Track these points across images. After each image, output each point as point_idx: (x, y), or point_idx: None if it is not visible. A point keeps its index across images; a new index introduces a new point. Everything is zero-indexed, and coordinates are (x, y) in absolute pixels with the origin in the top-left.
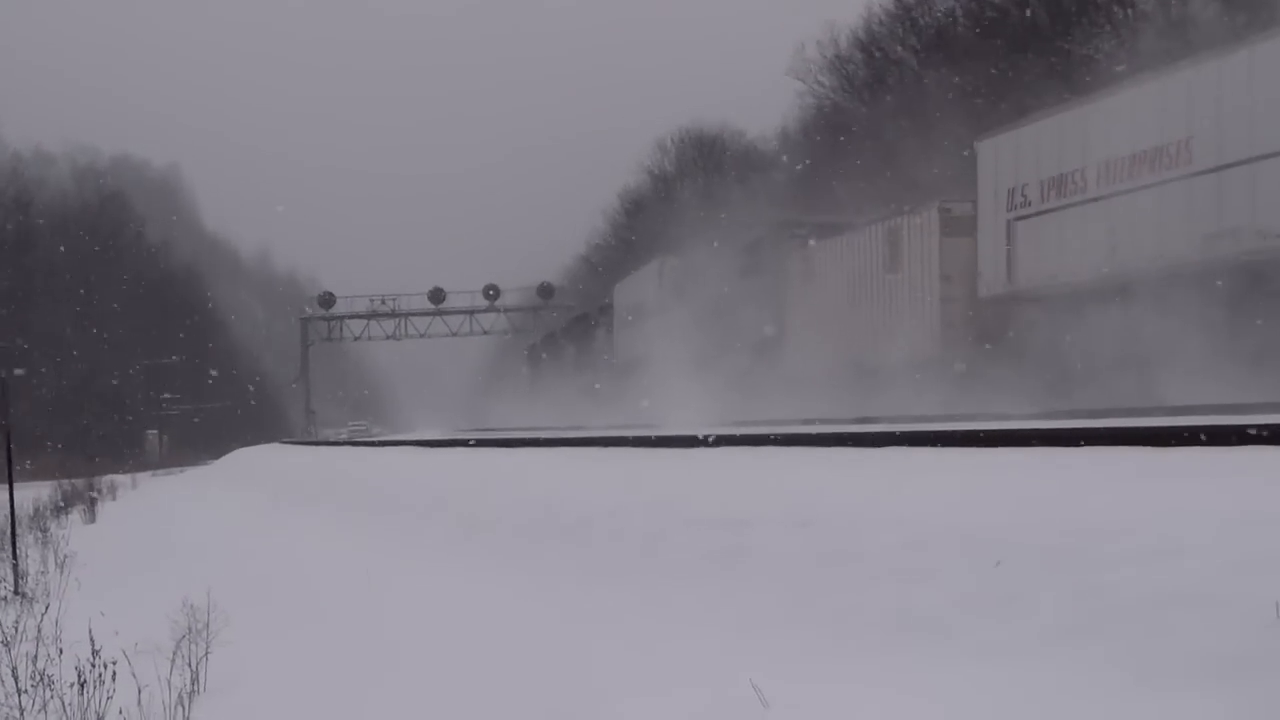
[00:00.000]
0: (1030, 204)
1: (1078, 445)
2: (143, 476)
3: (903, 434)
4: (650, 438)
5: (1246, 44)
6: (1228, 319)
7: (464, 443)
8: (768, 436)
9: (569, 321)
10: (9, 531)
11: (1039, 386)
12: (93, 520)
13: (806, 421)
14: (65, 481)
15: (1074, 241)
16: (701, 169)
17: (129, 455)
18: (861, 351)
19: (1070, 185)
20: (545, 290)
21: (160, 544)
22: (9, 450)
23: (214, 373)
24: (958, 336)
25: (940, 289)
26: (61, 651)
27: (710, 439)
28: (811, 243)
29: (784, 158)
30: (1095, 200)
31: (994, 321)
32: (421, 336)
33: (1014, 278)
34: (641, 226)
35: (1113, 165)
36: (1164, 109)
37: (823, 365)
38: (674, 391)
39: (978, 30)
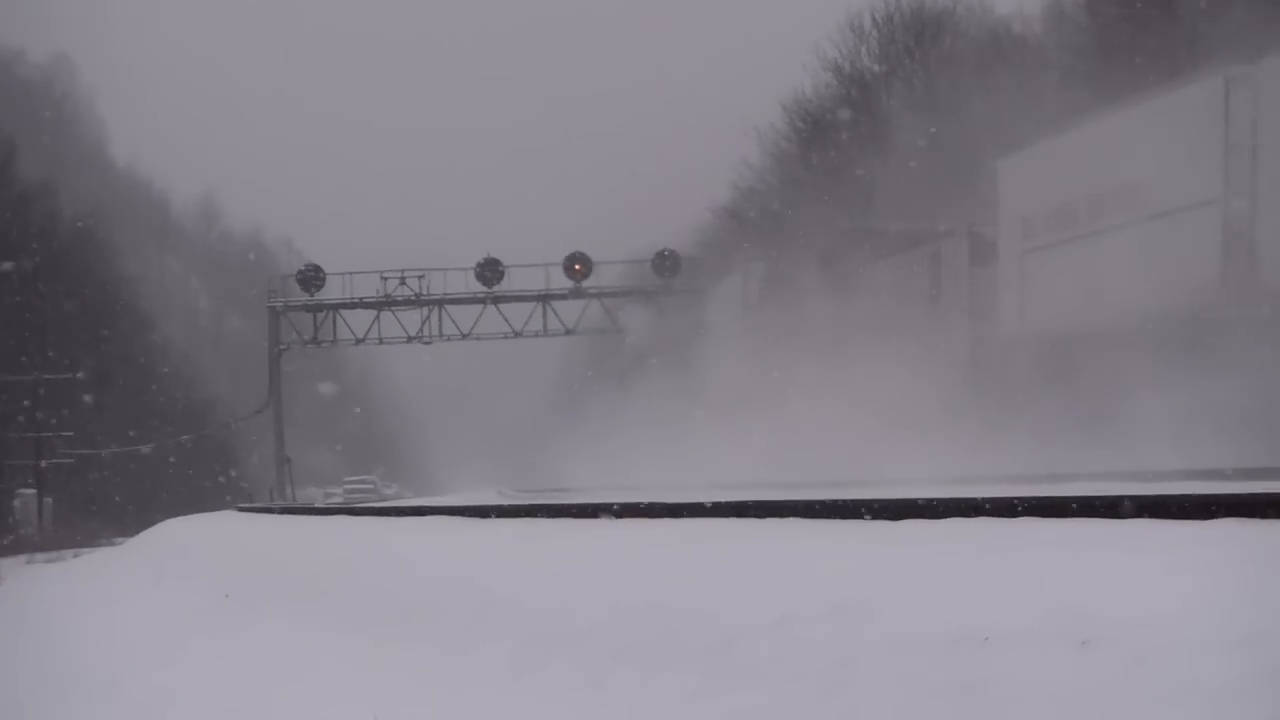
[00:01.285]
0: (1038, 235)
1: None
2: (11, 564)
3: (1231, 496)
4: (814, 504)
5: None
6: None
7: (528, 510)
8: (983, 503)
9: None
10: None
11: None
12: None
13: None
14: None
15: (1067, 281)
16: (920, 64)
17: None
18: (894, 396)
19: (1067, 218)
20: (666, 262)
21: (35, 681)
22: None
23: (136, 401)
24: (988, 381)
25: (969, 326)
26: None
27: (910, 504)
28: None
29: (1058, 48)
30: (1083, 237)
31: (1022, 364)
32: (465, 338)
33: (1026, 317)
34: (823, 154)
35: (1096, 200)
36: (1126, 144)
37: (854, 413)
38: (749, 436)
39: None
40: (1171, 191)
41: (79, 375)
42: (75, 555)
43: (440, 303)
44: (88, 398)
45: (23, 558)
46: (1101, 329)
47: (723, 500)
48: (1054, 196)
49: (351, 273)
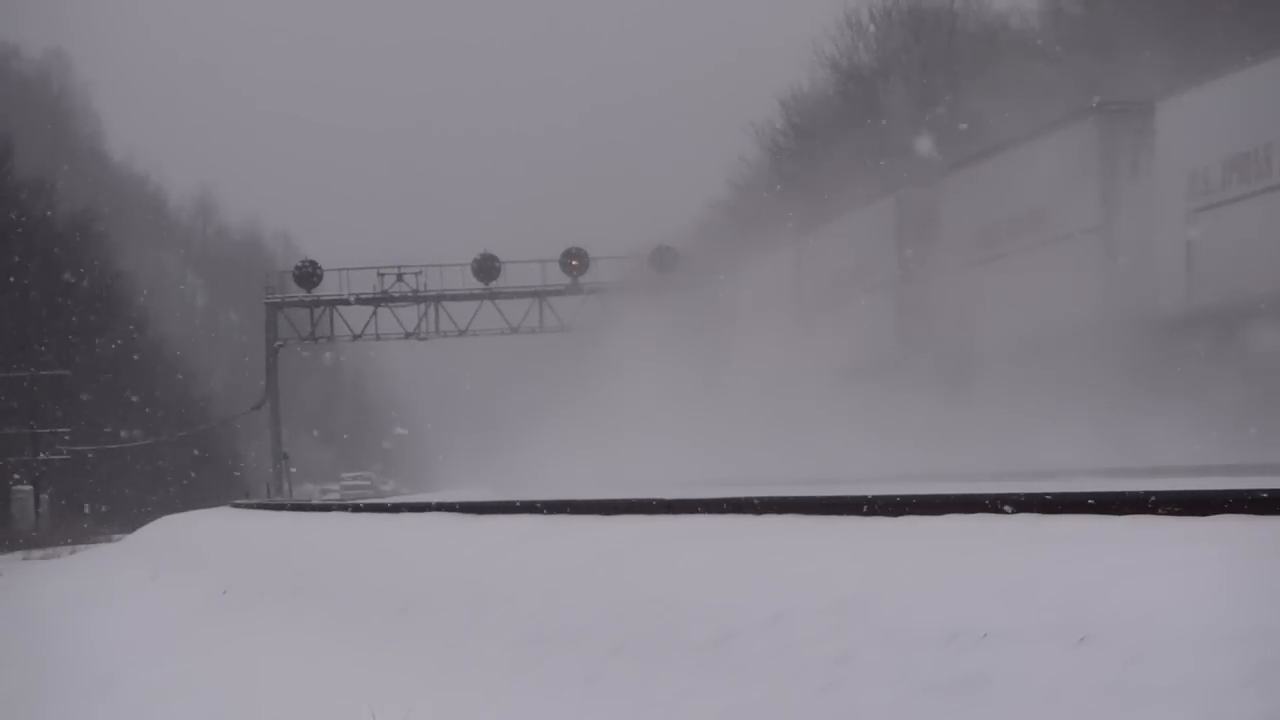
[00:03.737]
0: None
1: None
2: (8, 560)
3: (1228, 493)
4: (811, 499)
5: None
6: None
7: (524, 507)
8: (981, 499)
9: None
10: None
11: None
12: None
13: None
14: None
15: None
16: (919, 59)
17: None
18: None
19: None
20: (663, 258)
21: (33, 677)
22: None
23: (133, 397)
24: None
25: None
26: None
27: (908, 500)
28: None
29: (1055, 44)
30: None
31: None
32: (462, 334)
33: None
34: (821, 149)
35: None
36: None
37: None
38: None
39: None
40: None
41: (75, 372)
42: (72, 552)
43: (437, 299)
44: (84, 394)
45: (19, 554)
46: None
47: (719, 497)
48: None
49: (348, 269)
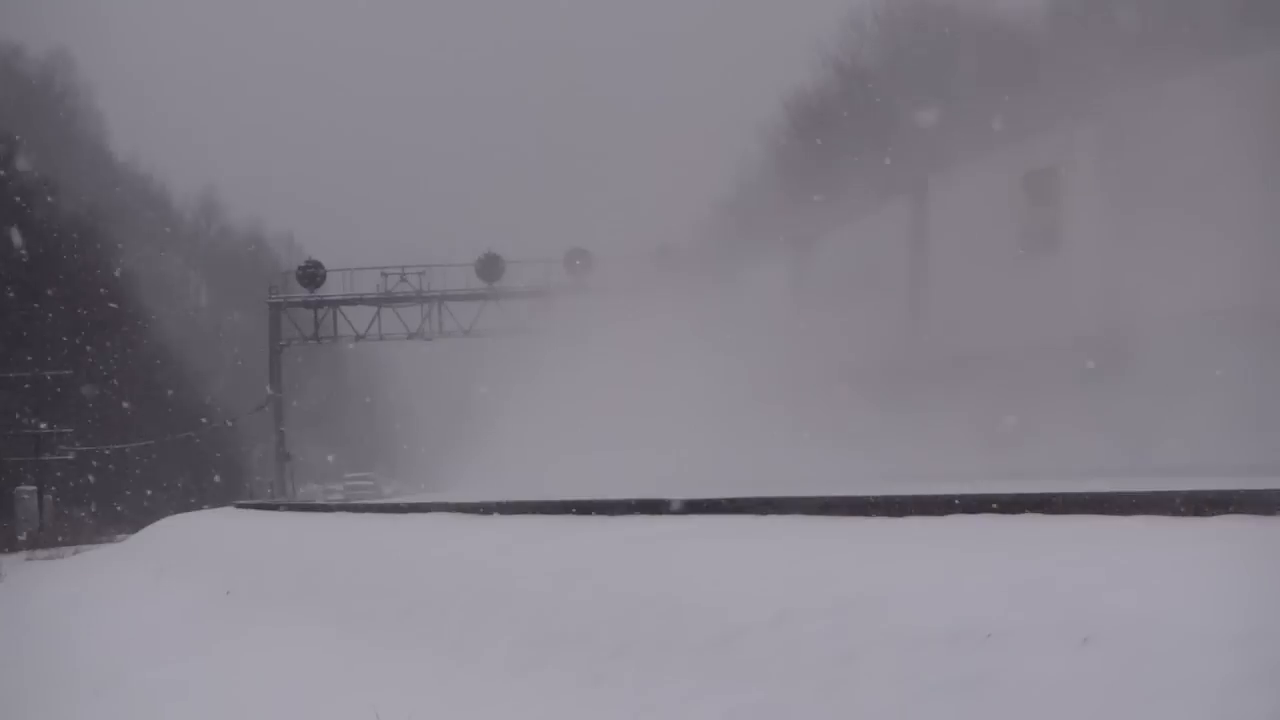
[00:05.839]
0: None
1: None
2: (11, 561)
3: (1230, 493)
4: (816, 500)
5: None
6: None
7: (528, 507)
8: (987, 499)
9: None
10: None
11: None
12: None
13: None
14: None
15: None
16: (922, 58)
17: None
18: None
19: None
20: (667, 257)
21: (36, 677)
22: None
23: (136, 398)
24: None
25: None
26: None
27: (912, 500)
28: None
29: (1056, 42)
30: None
31: None
32: (465, 334)
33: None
34: (821, 149)
35: None
36: None
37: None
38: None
39: None
40: None
41: (79, 372)
42: (76, 552)
43: (440, 299)
44: (87, 393)
45: (23, 555)
46: None
47: (721, 497)
48: None
49: (352, 269)
